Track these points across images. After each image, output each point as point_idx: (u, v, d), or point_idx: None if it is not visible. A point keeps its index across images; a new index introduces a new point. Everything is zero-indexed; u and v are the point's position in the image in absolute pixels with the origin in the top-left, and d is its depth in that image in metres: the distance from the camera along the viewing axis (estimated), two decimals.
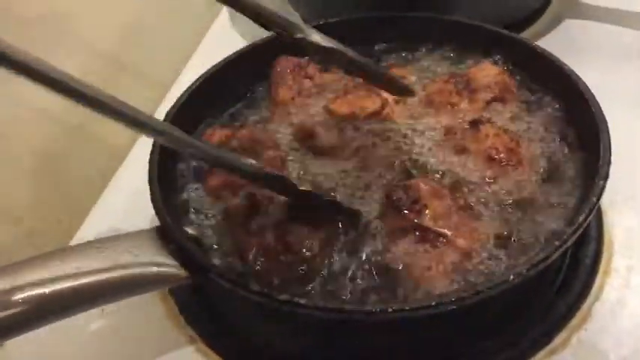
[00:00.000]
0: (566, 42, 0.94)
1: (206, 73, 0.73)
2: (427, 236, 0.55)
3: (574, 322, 0.61)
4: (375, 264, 0.56)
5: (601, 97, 0.64)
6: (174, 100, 0.69)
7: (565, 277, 0.64)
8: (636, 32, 0.94)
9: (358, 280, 0.55)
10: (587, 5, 0.99)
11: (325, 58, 0.59)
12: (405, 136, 0.66)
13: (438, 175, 0.62)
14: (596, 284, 0.63)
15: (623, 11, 0.97)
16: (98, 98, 0.42)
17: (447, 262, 0.54)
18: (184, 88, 0.71)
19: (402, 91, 0.66)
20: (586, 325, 0.60)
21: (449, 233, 0.56)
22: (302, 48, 0.58)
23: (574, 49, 0.91)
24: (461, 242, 0.55)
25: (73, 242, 0.74)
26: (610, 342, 0.59)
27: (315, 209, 0.57)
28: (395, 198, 0.57)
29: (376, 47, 0.80)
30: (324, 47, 0.57)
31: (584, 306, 0.62)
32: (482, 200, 0.59)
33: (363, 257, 0.56)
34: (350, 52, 0.59)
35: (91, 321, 0.65)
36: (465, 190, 0.60)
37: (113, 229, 0.73)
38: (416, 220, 0.56)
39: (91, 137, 0.85)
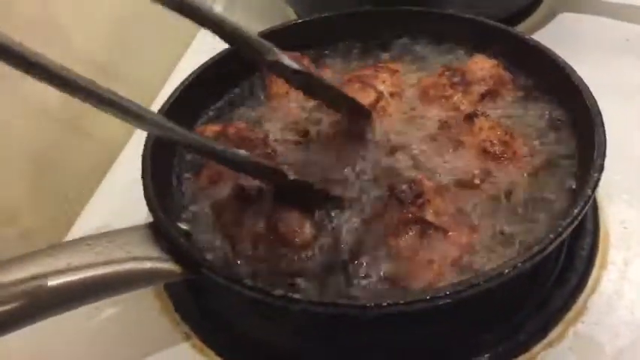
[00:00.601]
0: (560, 35, 0.94)
1: (198, 69, 0.72)
2: (429, 230, 0.55)
3: (570, 314, 0.60)
4: (375, 257, 0.55)
5: (595, 90, 0.64)
6: (167, 97, 0.69)
7: (561, 270, 0.63)
8: (631, 25, 0.93)
9: (360, 273, 0.55)
10: None
11: (294, 81, 0.59)
12: (399, 132, 0.66)
13: (435, 170, 0.62)
14: (593, 277, 0.63)
15: (619, 4, 0.96)
16: (94, 90, 0.43)
17: (447, 256, 0.54)
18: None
19: (362, 114, 0.66)
20: (582, 317, 0.60)
21: (450, 229, 0.56)
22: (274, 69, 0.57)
23: (569, 43, 0.91)
24: (462, 238, 0.55)
25: (67, 239, 0.74)
26: (606, 334, 0.59)
27: (302, 197, 0.58)
28: (398, 190, 0.57)
29: (371, 42, 0.79)
30: (294, 70, 0.56)
31: (581, 299, 0.62)
32: (480, 195, 0.59)
33: (361, 249, 0.56)
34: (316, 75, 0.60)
35: (86, 317, 0.64)
36: (464, 185, 0.60)
37: (108, 225, 0.73)
38: (418, 214, 0.56)
39: (84, 133, 0.85)
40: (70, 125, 0.83)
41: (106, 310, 0.65)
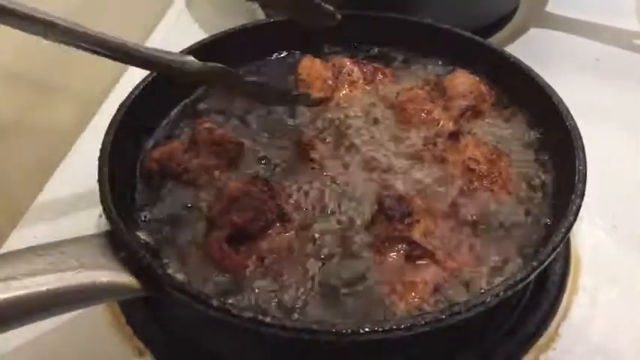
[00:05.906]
0: (531, 50, 0.92)
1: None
2: (415, 251, 0.53)
3: (542, 341, 0.59)
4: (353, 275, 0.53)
5: None
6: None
7: (532, 296, 0.62)
8: (601, 45, 0.94)
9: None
10: (553, 15, 0.98)
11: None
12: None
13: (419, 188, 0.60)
14: (564, 303, 0.62)
15: (589, 23, 0.97)
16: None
17: (430, 280, 0.51)
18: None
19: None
20: (554, 344, 0.59)
21: (438, 252, 0.53)
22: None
23: (539, 59, 0.89)
24: (448, 263, 0.53)
25: (9, 245, 0.68)
26: None
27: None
28: (386, 205, 0.55)
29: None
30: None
31: (552, 325, 0.60)
32: (464, 217, 0.57)
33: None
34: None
35: (27, 329, 0.58)
36: (451, 205, 0.58)
37: (54, 230, 0.68)
38: (406, 234, 0.54)
39: (32, 123, 0.77)
40: (16, 112, 0.76)
41: (49, 322, 0.59)
